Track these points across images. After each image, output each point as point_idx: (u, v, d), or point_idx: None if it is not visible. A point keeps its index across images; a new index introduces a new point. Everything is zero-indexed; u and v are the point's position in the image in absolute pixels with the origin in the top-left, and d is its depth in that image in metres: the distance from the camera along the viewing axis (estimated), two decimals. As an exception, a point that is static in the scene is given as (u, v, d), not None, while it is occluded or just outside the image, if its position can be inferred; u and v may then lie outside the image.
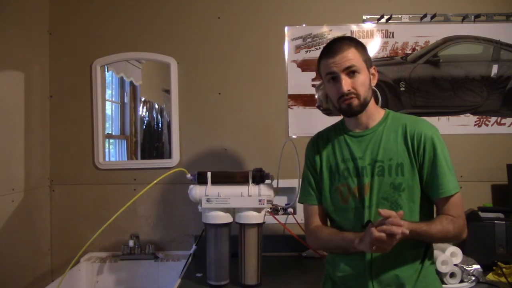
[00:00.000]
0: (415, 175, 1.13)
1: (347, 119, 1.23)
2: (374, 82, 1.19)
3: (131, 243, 1.87)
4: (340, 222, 1.19)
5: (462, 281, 1.42)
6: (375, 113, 1.20)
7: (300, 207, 1.82)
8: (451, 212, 1.12)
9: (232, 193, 1.45)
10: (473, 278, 1.42)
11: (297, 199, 1.35)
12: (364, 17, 1.95)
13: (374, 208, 1.12)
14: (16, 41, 1.74)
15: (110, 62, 1.97)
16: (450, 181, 1.11)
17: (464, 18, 1.93)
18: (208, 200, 1.44)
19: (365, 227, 1.09)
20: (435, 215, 1.18)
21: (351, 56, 1.12)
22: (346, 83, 1.12)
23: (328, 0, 1.95)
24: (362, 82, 1.13)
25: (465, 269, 1.42)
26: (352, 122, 1.22)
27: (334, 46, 1.14)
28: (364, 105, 1.15)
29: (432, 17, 1.92)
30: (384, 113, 1.21)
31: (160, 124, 2.02)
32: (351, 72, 1.12)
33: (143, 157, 2.02)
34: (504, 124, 1.93)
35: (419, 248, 1.14)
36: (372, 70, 1.18)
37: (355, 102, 1.13)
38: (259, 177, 1.46)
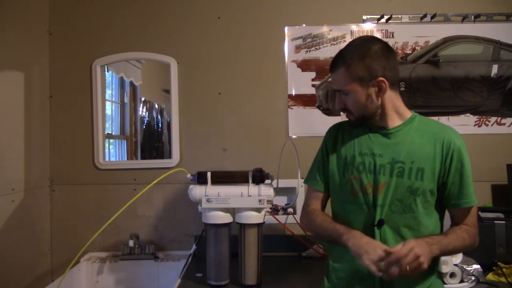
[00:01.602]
0: (434, 182, 1.11)
1: None
2: (382, 94, 1.12)
3: (131, 243, 1.86)
4: (346, 216, 1.17)
5: (462, 281, 1.42)
6: (396, 115, 1.16)
7: (300, 207, 1.82)
8: (468, 222, 1.13)
9: (232, 193, 1.45)
10: (473, 278, 1.42)
11: (297, 198, 1.35)
12: (364, 17, 1.95)
13: (386, 208, 1.11)
14: (16, 41, 1.74)
15: (110, 62, 1.97)
16: (472, 193, 1.13)
17: (464, 18, 1.93)
18: (208, 200, 1.44)
19: (377, 226, 1.10)
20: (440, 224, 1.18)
21: (339, 78, 1.13)
22: (337, 101, 1.18)
23: (328, 0, 1.95)
24: (353, 102, 1.14)
25: (465, 269, 1.42)
26: (373, 119, 1.19)
27: (333, 62, 1.15)
28: (362, 119, 1.16)
29: (432, 17, 1.92)
30: (411, 115, 1.18)
31: (160, 124, 2.02)
32: (342, 93, 1.15)
33: (143, 157, 2.02)
34: (504, 124, 1.93)
35: (433, 263, 1.13)
36: (377, 83, 1.10)
37: (351, 117, 1.18)
38: (259, 177, 1.46)
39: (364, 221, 1.13)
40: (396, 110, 1.16)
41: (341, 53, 1.14)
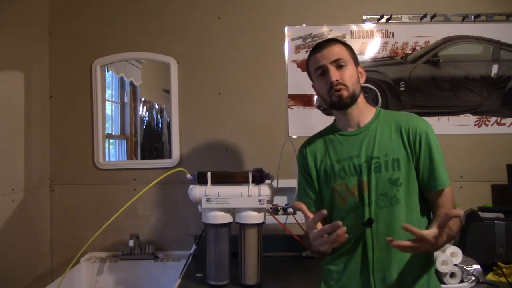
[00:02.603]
0: (411, 169, 1.13)
1: (338, 119, 1.25)
2: (362, 80, 1.22)
3: (131, 243, 1.86)
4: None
5: (462, 281, 1.42)
6: (366, 111, 1.22)
7: (300, 207, 1.82)
8: (447, 205, 1.13)
9: (232, 193, 1.45)
10: (473, 278, 1.42)
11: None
12: (364, 17, 1.95)
13: (373, 205, 1.12)
14: (16, 41, 1.74)
15: (110, 62, 1.97)
16: (444, 174, 1.13)
17: (464, 18, 1.93)
18: (208, 200, 1.44)
19: (366, 225, 1.11)
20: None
21: (337, 50, 1.17)
22: (334, 73, 1.15)
23: (328, 0, 1.95)
24: (350, 75, 1.16)
25: (465, 269, 1.42)
26: (343, 120, 1.23)
27: (321, 43, 1.20)
28: (353, 98, 1.17)
29: (432, 17, 1.92)
30: (376, 111, 1.23)
31: (160, 124, 2.02)
32: (339, 65, 1.16)
33: (143, 157, 2.02)
34: (504, 124, 1.93)
35: (427, 260, 1.15)
36: (359, 69, 1.22)
37: (345, 93, 1.16)
38: (259, 177, 1.46)
39: (356, 224, 1.14)
40: (366, 105, 1.23)
41: (329, 39, 1.23)
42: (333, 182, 1.19)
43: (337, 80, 1.15)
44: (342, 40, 1.27)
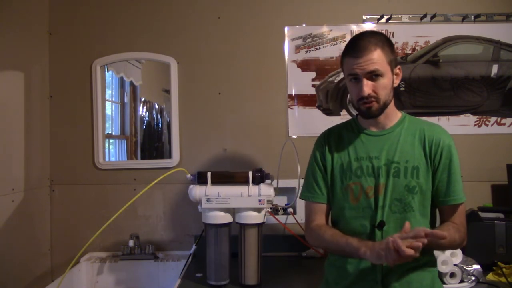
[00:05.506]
0: (429, 179, 1.13)
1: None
2: (397, 82, 1.17)
3: (131, 243, 1.86)
4: (348, 222, 1.17)
5: (462, 281, 1.42)
6: (393, 114, 1.20)
7: (300, 207, 1.82)
8: (457, 220, 1.13)
9: (232, 193, 1.45)
10: (473, 278, 1.42)
11: (297, 198, 1.34)
12: (364, 17, 1.95)
13: (386, 209, 1.12)
14: (16, 41, 1.74)
15: (110, 62, 1.97)
16: (461, 190, 1.14)
17: (464, 18, 1.93)
18: (208, 200, 1.44)
19: (378, 228, 1.10)
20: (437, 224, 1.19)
21: (376, 59, 1.08)
22: (367, 87, 1.09)
23: (328, 0, 1.95)
24: (384, 86, 1.11)
25: (465, 269, 1.42)
26: (368, 120, 1.20)
27: (360, 45, 1.10)
28: (383, 108, 1.14)
29: (432, 17, 1.92)
30: (401, 115, 1.22)
31: (160, 124, 2.02)
32: (374, 75, 1.10)
33: (143, 157, 2.02)
34: (504, 124, 1.93)
35: (431, 263, 1.16)
36: (397, 70, 1.16)
37: (375, 106, 1.12)
38: (259, 177, 1.46)
39: (366, 224, 1.13)
40: (393, 109, 1.20)
41: (369, 38, 1.10)
42: (348, 179, 1.17)
43: (369, 94, 1.10)
44: (383, 34, 1.15)
